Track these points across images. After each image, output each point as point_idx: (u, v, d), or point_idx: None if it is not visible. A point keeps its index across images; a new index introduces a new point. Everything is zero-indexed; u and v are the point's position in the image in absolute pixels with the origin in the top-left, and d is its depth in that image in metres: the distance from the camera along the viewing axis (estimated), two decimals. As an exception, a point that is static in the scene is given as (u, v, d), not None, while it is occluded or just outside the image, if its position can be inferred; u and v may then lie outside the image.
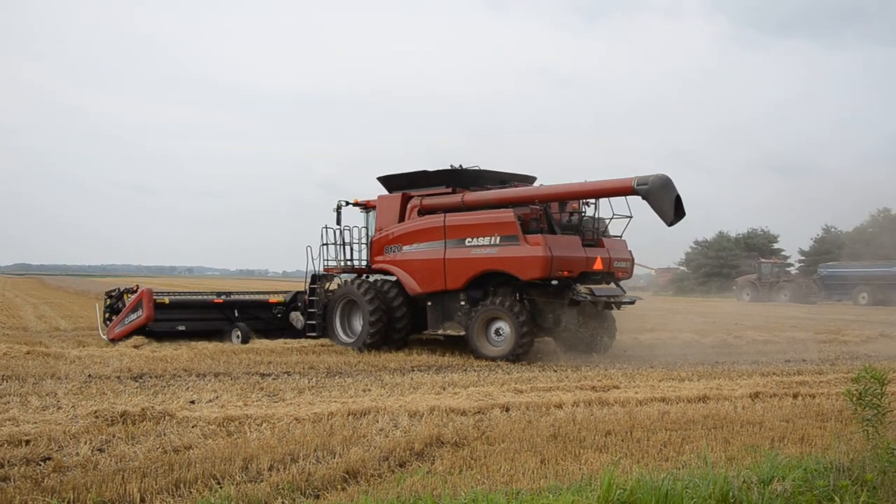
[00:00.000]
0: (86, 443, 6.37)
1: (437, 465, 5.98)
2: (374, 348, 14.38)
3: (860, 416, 5.38)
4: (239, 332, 15.50)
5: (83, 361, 11.86)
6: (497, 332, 13.64)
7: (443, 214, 14.56)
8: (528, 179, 15.27)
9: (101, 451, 6.22)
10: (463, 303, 14.24)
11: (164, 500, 5.05)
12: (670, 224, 12.95)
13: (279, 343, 14.71)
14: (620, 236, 14.68)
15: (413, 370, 11.64)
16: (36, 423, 7.12)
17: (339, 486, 5.42)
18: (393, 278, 15.18)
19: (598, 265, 13.76)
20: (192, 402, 8.43)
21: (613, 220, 14.47)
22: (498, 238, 13.60)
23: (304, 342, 14.75)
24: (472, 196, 14.46)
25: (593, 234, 14.26)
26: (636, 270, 16.15)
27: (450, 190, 14.87)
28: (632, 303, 14.57)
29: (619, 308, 14.45)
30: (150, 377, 10.43)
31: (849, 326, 22.65)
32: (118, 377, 10.33)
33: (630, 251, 14.72)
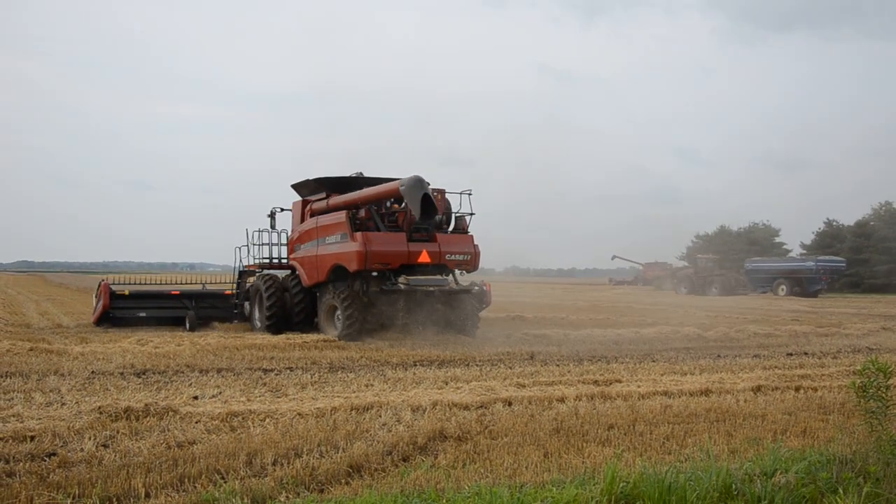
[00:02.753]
0: (90, 438, 6.39)
1: (441, 459, 5.99)
2: (272, 330, 16.29)
3: (864, 408, 5.38)
4: (188, 321, 17.73)
5: (86, 358, 11.87)
6: (338, 318, 15.30)
7: (317, 217, 16.48)
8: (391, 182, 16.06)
9: (105, 446, 6.24)
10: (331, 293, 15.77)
11: (169, 494, 5.05)
12: (419, 219, 14.42)
13: (282, 338, 14.78)
14: (466, 231, 15.87)
15: (415, 365, 11.65)
16: (40, 419, 7.14)
17: (342, 481, 5.43)
18: (296, 273, 17.11)
19: (423, 258, 15.00)
20: (196, 398, 8.45)
21: (462, 215, 16.00)
22: (339, 236, 15.33)
23: (305, 337, 14.91)
24: (333, 200, 16.18)
25: (427, 230, 15.35)
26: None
27: (325, 195, 16.57)
28: (468, 291, 15.67)
29: (450, 296, 15.46)
30: (153, 373, 10.45)
31: (850, 320, 22.68)
32: (121, 373, 10.34)
33: (475, 245, 15.75)
